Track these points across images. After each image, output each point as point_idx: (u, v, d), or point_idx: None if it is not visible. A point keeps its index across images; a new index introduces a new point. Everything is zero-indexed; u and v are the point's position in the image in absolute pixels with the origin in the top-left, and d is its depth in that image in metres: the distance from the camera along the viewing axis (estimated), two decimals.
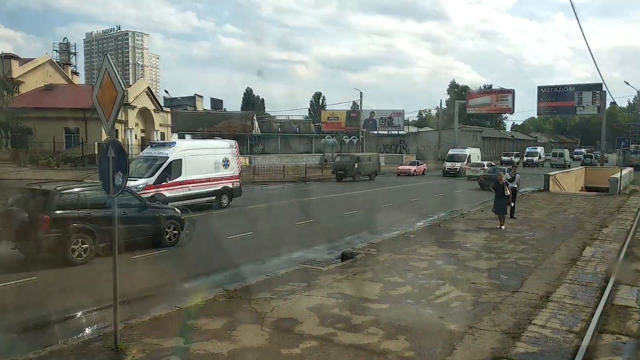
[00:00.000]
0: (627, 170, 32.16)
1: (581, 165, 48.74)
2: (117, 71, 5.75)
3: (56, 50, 77.41)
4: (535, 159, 62.35)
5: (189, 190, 17.96)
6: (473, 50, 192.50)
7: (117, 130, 48.91)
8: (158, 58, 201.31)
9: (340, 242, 13.41)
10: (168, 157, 17.61)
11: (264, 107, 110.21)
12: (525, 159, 62.74)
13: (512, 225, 15.42)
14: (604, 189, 28.17)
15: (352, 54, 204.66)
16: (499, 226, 14.95)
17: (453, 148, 48.02)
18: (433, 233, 14.21)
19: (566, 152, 63.70)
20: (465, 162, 41.79)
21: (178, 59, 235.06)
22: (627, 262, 10.86)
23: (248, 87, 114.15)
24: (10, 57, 48.98)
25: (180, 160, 17.85)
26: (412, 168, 43.24)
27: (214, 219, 17.45)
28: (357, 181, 34.38)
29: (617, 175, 26.84)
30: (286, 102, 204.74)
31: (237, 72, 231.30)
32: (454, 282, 9.04)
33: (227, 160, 19.95)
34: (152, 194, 15.98)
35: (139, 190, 14.89)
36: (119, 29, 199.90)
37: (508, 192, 15.07)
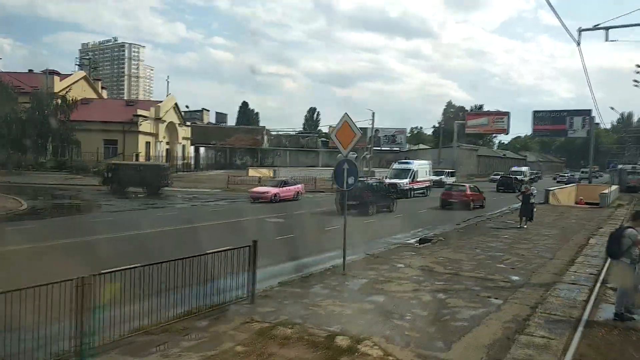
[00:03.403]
0: (614, 187, 37.51)
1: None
2: (353, 121, 10.47)
3: (78, 65, 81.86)
4: (520, 177, 54.21)
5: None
6: (459, 68, 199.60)
7: (148, 143, 53.45)
8: (152, 69, 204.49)
9: (413, 232, 18.09)
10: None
11: (259, 121, 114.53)
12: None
13: (531, 226, 20.26)
14: (594, 203, 33.33)
15: (340, 68, 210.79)
16: (520, 225, 19.81)
17: (399, 161, 40.73)
18: (475, 230, 19.03)
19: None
20: (409, 179, 34.97)
21: (166, 70, 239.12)
22: None
23: (244, 101, 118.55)
24: (52, 73, 53.29)
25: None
26: (272, 191, 28.24)
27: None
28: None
29: (607, 191, 32.05)
30: (276, 115, 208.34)
31: (225, 84, 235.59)
32: (509, 254, 13.85)
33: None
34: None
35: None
36: (116, 40, 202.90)
37: (533, 200, 20.05)
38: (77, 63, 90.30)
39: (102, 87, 67.11)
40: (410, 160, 39.49)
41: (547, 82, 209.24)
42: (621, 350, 7.02)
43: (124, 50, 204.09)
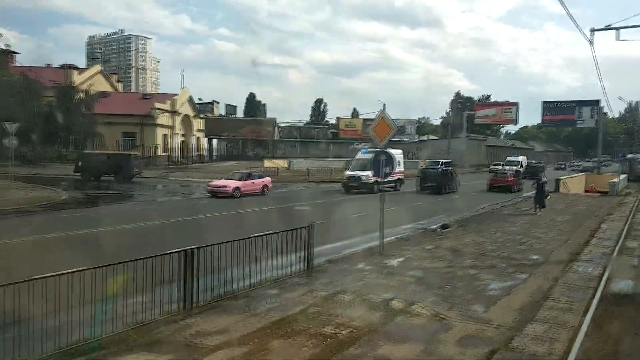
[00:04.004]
0: (623, 177, 38.50)
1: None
2: (388, 115, 11.64)
3: (93, 59, 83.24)
4: (516, 168, 48.82)
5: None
6: (465, 57, 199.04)
7: (165, 135, 54.77)
8: (159, 61, 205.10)
9: (433, 219, 19.28)
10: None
11: (266, 112, 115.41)
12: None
13: (544, 212, 21.38)
14: (604, 192, 34.36)
15: (345, 59, 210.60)
16: (534, 212, 20.96)
17: (363, 150, 35.37)
18: (492, 216, 20.22)
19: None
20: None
21: (170, 62, 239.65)
22: (628, 231, 16.92)
23: (251, 92, 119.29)
24: (69, 67, 54.59)
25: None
26: (233, 185, 25.52)
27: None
28: None
29: (616, 180, 33.09)
30: (281, 106, 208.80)
31: (230, 75, 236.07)
32: (527, 237, 15.04)
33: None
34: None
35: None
36: (122, 32, 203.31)
37: (547, 188, 21.22)
38: (92, 57, 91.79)
39: (118, 81, 68.58)
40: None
41: (553, 70, 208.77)
42: (635, 314, 8.24)
43: (130, 43, 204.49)
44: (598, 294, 8.87)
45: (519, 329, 7.10)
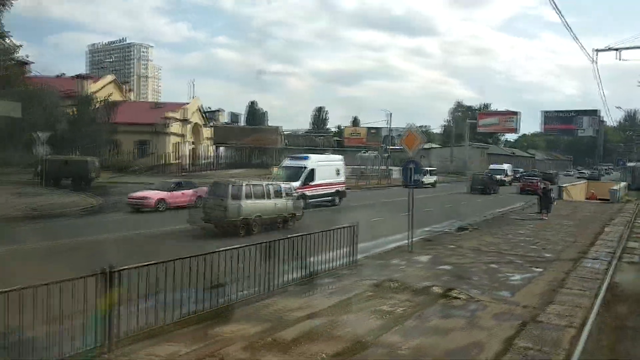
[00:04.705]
0: (622, 184, 40.11)
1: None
2: (418, 128, 13.12)
3: (102, 68, 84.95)
4: (500, 177, 48.55)
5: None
6: (464, 65, 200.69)
7: (177, 143, 56.31)
8: (160, 69, 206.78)
9: (446, 223, 20.74)
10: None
11: (267, 120, 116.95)
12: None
13: (550, 217, 22.86)
14: (604, 199, 35.93)
15: (344, 67, 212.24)
16: (541, 217, 22.43)
17: (290, 156, 28.97)
18: (502, 220, 21.70)
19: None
20: (301, 181, 23.42)
21: (170, 69, 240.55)
22: (629, 234, 18.41)
23: (252, 100, 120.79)
24: (84, 77, 56.31)
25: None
26: (155, 197, 21.78)
27: (349, 211, 24.73)
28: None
29: (617, 187, 34.67)
30: (281, 114, 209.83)
31: (229, 83, 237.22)
32: (537, 238, 16.52)
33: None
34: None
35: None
36: (124, 40, 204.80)
37: (553, 195, 22.74)
38: (101, 66, 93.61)
39: (129, 90, 70.27)
40: (306, 155, 27.11)
41: (551, 79, 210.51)
42: (637, 299, 9.70)
43: (131, 51, 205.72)
44: (605, 283, 10.34)
45: (542, 308, 8.56)
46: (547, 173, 61.06)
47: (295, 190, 20.07)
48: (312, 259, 10.29)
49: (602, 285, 10.15)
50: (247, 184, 16.89)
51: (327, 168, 25.65)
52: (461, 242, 15.43)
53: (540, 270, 11.74)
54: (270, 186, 17.62)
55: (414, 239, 14.35)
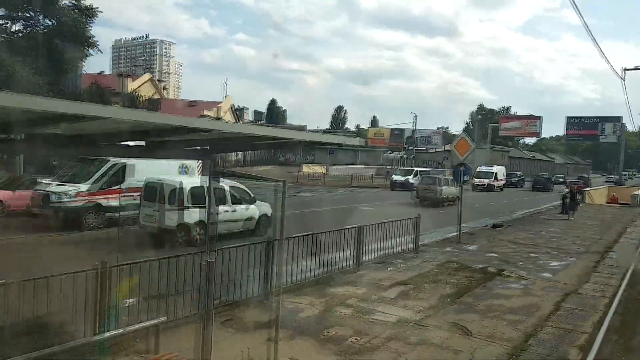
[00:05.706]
0: None
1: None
2: (469, 135, 15.30)
3: (136, 66, 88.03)
4: (489, 181, 44.65)
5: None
6: (482, 66, 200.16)
7: None
8: (181, 65, 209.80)
9: (481, 221, 22.80)
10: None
11: (286, 118, 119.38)
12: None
13: (576, 218, 24.78)
14: (625, 203, 37.62)
15: (362, 66, 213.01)
16: (567, 218, 24.39)
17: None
18: (531, 220, 23.72)
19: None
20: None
21: (187, 65, 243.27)
22: None
23: (272, 99, 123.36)
24: (124, 75, 59.22)
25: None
26: None
27: None
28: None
29: (638, 192, 36.35)
30: (297, 112, 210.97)
31: (247, 79, 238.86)
32: (567, 235, 18.55)
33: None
34: None
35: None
36: (148, 37, 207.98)
37: (578, 197, 24.68)
38: (134, 64, 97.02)
39: (165, 88, 73.23)
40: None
41: (571, 82, 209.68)
42: None
43: (154, 47, 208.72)
44: (630, 270, 12.40)
45: (579, 285, 10.70)
46: (582, 176, 66.81)
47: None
48: (383, 243, 12.54)
49: (628, 271, 12.21)
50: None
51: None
52: (499, 236, 17.54)
53: (574, 259, 13.84)
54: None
55: (457, 233, 16.57)
